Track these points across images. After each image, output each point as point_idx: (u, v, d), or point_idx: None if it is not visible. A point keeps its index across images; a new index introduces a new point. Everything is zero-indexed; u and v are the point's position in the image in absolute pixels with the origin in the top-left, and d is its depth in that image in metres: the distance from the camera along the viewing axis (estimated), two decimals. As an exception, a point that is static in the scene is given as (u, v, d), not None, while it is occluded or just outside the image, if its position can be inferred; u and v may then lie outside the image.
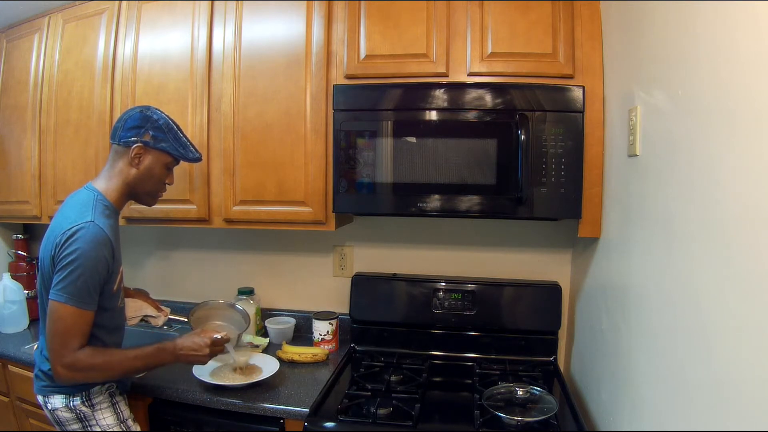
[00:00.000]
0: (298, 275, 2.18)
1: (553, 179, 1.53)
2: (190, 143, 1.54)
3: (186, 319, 1.68)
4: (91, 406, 1.41)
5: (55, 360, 1.29)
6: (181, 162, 1.56)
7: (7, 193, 2.18)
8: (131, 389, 1.59)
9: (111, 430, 1.42)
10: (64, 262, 1.28)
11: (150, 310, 1.67)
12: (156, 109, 1.50)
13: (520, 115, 1.52)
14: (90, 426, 1.41)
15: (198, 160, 1.56)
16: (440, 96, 1.58)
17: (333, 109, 1.66)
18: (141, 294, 1.72)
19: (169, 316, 1.71)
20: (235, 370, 1.66)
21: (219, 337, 1.47)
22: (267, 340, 1.99)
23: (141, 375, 1.60)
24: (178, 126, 1.52)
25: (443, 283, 1.92)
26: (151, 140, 1.45)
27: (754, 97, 0.76)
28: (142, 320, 1.67)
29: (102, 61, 1.95)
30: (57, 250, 1.30)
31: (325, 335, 1.94)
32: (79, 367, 1.30)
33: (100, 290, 1.34)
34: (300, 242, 2.16)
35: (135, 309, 1.65)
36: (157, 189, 1.53)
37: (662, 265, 1.09)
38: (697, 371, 0.92)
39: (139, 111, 1.48)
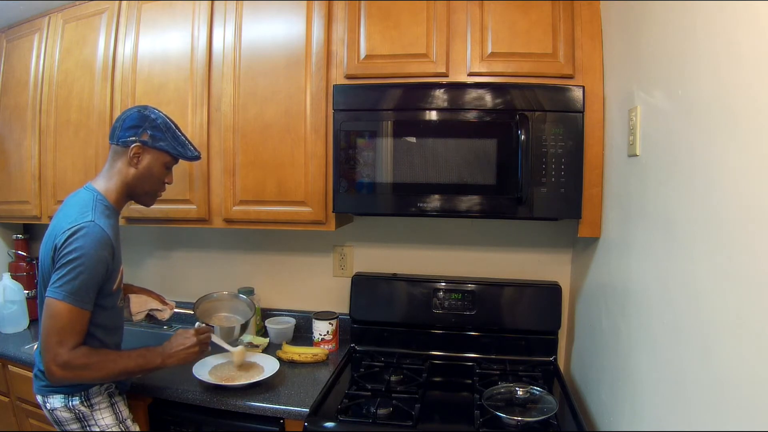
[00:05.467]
0: (298, 275, 2.18)
1: (553, 179, 1.53)
2: (189, 142, 1.54)
3: (192, 312, 1.68)
4: (90, 406, 1.41)
5: (49, 358, 1.28)
6: (181, 162, 1.57)
7: (7, 193, 2.18)
8: (131, 389, 1.58)
9: (110, 430, 1.42)
10: (64, 261, 1.28)
11: (155, 304, 1.66)
12: (154, 108, 1.50)
13: (520, 115, 1.52)
14: (89, 426, 1.41)
15: (197, 158, 1.56)
16: (440, 96, 1.58)
17: (333, 109, 1.66)
18: (144, 290, 1.71)
19: (175, 310, 1.69)
20: (239, 367, 1.67)
21: (197, 326, 1.53)
22: (267, 340, 1.99)
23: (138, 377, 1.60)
24: (176, 125, 1.52)
25: (443, 283, 1.92)
26: (150, 139, 1.45)
27: (755, 96, 0.76)
28: (148, 315, 1.66)
29: (102, 61, 1.95)
30: (57, 249, 1.30)
31: (325, 335, 1.94)
32: (73, 365, 1.29)
33: (99, 290, 1.34)
34: (300, 242, 2.16)
35: (140, 304, 1.64)
36: (157, 189, 1.53)
37: (662, 265, 1.09)
38: (696, 371, 0.92)
39: (137, 111, 1.47)
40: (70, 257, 1.28)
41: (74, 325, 1.29)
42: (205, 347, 1.51)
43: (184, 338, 1.47)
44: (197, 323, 1.62)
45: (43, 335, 1.30)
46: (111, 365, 1.35)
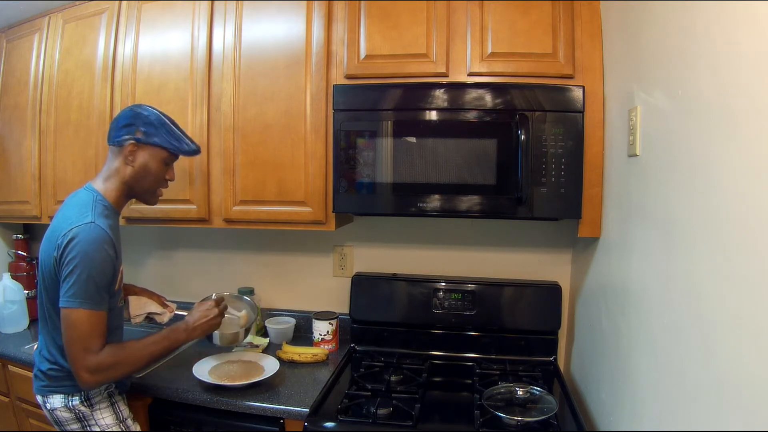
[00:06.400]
0: (298, 275, 2.18)
1: (553, 179, 1.53)
2: (185, 135, 1.52)
3: None
4: (90, 406, 1.41)
5: (79, 367, 1.27)
6: (181, 161, 1.56)
7: (7, 193, 2.18)
8: (131, 389, 1.59)
9: (110, 430, 1.42)
10: (70, 267, 1.27)
11: (154, 307, 1.65)
12: (147, 105, 1.50)
13: (520, 115, 1.52)
14: (89, 426, 1.41)
15: (195, 152, 1.54)
16: (440, 96, 1.58)
17: (333, 109, 1.66)
18: (145, 291, 1.70)
19: (175, 312, 1.68)
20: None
21: (215, 297, 1.60)
22: (267, 340, 1.99)
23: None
24: (171, 120, 1.51)
25: (443, 283, 1.92)
26: (143, 136, 1.45)
27: (754, 96, 0.76)
28: (146, 318, 1.65)
29: (102, 61, 1.95)
30: (59, 252, 1.30)
31: (325, 335, 1.94)
32: (103, 367, 1.28)
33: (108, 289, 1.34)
34: (300, 242, 2.16)
35: (139, 307, 1.63)
36: (157, 186, 1.52)
37: (662, 265, 1.09)
38: (696, 371, 0.92)
39: (129, 109, 1.48)
40: (75, 262, 1.27)
41: (95, 329, 1.28)
42: (223, 314, 1.58)
43: (207, 309, 1.52)
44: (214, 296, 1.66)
45: (67, 347, 1.28)
46: (138, 356, 1.36)
